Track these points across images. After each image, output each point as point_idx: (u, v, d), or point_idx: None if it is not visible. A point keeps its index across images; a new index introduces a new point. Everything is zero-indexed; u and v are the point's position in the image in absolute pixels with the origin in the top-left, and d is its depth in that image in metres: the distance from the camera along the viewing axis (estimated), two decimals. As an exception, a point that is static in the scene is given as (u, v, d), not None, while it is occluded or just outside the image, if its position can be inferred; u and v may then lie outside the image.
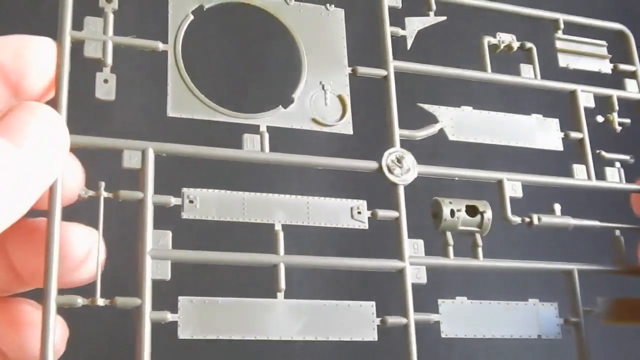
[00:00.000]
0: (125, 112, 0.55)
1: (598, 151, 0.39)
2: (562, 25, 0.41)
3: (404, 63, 0.37)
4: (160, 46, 0.33)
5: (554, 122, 0.39)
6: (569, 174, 0.38)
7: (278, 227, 0.32)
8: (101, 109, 0.33)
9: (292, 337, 0.31)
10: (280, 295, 0.32)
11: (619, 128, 0.40)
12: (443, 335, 0.33)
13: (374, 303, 0.33)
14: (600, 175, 0.39)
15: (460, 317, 0.34)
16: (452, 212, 0.35)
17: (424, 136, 0.36)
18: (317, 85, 0.35)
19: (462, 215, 0.34)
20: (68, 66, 0.31)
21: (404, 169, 0.35)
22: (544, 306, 0.35)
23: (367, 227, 0.34)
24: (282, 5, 0.36)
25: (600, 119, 0.39)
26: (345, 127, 0.35)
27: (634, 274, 0.37)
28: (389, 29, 0.37)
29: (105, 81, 0.32)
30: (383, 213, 0.34)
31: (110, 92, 0.32)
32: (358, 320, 0.32)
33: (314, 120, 0.35)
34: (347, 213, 0.34)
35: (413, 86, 0.39)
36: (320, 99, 0.35)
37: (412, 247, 0.34)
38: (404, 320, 0.33)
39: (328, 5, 0.37)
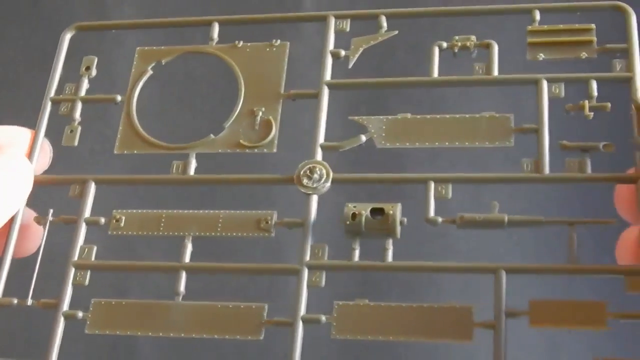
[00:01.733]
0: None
1: (560, 142, 0.36)
2: (537, 17, 0.40)
3: (338, 80, 0.41)
4: (119, 98, 0.43)
5: (506, 117, 0.38)
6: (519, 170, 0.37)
7: (187, 239, 0.38)
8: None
9: (182, 334, 0.36)
10: (178, 298, 0.37)
11: (590, 114, 0.37)
12: (332, 337, 0.34)
13: (265, 305, 0.36)
14: (559, 169, 0.36)
15: (354, 319, 0.34)
16: (354, 216, 0.36)
17: (348, 147, 0.39)
18: (249, 113, 0.41)
19: (365, 217, 0.36)
20: (46, 123, 0.42)
21: (313, 178, 0.38)
22: (457, 308, 0.34)
23: (273, 235, 0.37)
24: (232, 48, 0.43)
25: (569, 107, 0.37)
26: (269, 146, 0.40)
27: (577, 273, 0.33)
28: (329, 51, 0.41)
29: (71, 132, 0.43)
30: (288, 220, 0.38)
31: (74, 140, 0.42)
32: (247, 320, 0.36)
33: (239, 144, 0.40)
34: (254, 223, 0.38)
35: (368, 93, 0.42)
36: (251, 124, 0.41)
37: (314, 252, 0.36)
38: (289, 320, 0.35)
39: (274, 41, 0.43)
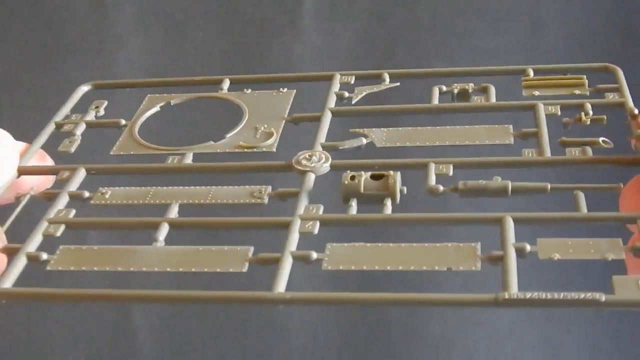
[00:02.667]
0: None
1: (561, 138, 0.38)
2: (531, 74, 0.44)
3: (340, 108, 0.43)
4: (123, 122, 0.45)
5: (507, 128, 0.40)
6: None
7: (174, 205, 0.37)
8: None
9: (155, 269, 0.33)
10: (157, 244, 0.35)
11: (588, 118, 0.39)
12: (323, 269, 0.32)
13: (252, 247, 0.34)
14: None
15: (347, 256, 0.32)
16: (353, 177, 0.36)
17: (348, 146, 0.40)
18: (252, 128, 0.43)
19: (365, 179, 0.36)
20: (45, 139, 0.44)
21: (312, 160, 0.38)
22: (461, 246, 0.32)
23: (265, 202, 0.37)
24: (241, 94, 0.47)
25: (566, 120, 0.39)
26: (269, 147, 0.41)
27: (582, 220, 0.32)
28: (334, 93, 0.45)
29: (70, 142, 0.44)
30: (283, 190, 0.37)
31: (72, 147, 0.43)
32: (231, 258, 0.33)
33: (240, 145, 0.41)
34: (247, 194, 0.37)
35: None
36: (252, 134, 0.42)
37: (309, 209, 0.35)
38: (276, 255, 0.32)
39: (281, 89, 0.47)
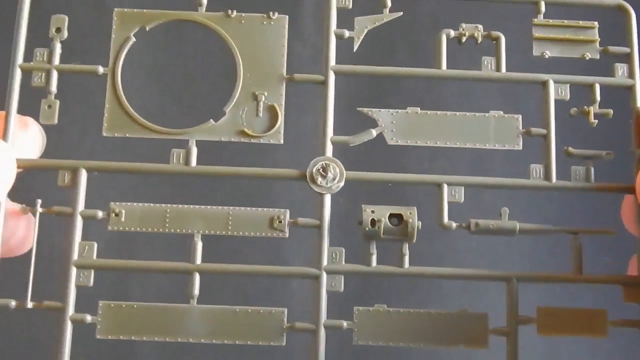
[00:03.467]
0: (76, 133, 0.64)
1: (566, 148, 0.41)
2: (542, 9, 0.43)
3: (345, 66, 0.42)
4: (101, 70, 0.42)
5: (515, 119, 0.41)
6: (527, 175, 0.41)
7: (197, 238, 0.39)
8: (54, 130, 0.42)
9: (201, 340, 0.38)
10: (193, 301, 0.39)
11: (595, 122, 0.41)
12: (354, 343, 0.38)
13: (285, 310, 0.39)
14: (565, 176, 0.41)
15: (374, 325, 0.38)
16: (373, 222, 0.39)
17: (359, 142, 0.41)
18: (251, 97, 0.42)
19: (384, 223, 0.39)
20: (17, 96, 0.41)
21: (328, 178, 0.40)
22: (471, 316, 0.39)
23: (286, 236, 0.40)
24: (224, 18, 0.43)
25: (574, 111, 0.41)
26: (275, 136, 0.41)
27: (582, 282, 0.39)
28: (333, 31, 0.42)
29: (49, 107, 0.41)
30: (304, 221, 0.40)
31: (53, 117, 0.41)
32: (268, 326, 0.39)
33: (243, 132, 0.41)
34: (267, 222, 0.40)
35: (368, 91, 0.44)
36: (253, 110, 0.42)
37: (332, 256, 0.40)
38: (311, 327, 0.38)
39: (271, 13, 0.43)
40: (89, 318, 0.38)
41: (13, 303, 0.38)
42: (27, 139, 0.39)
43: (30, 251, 0.38)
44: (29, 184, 0.40)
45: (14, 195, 0.38)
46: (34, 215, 0.39)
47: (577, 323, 0.38)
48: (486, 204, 0.41)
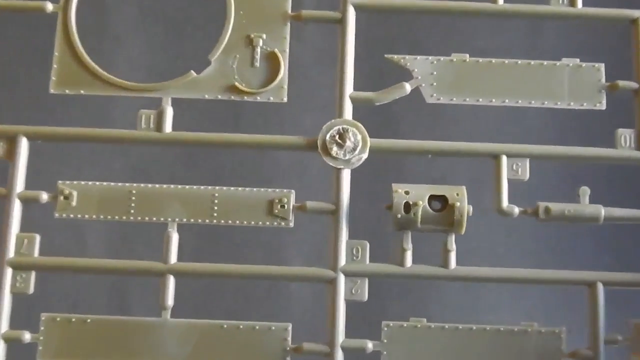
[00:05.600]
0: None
1: None
2: None
3: (365, 1, 0.33)
4: (49, 7, 0.32)
5: (596, 69, 0.32)
6: (612, 143, 0.31)
7: (171, 228, 0.30)
8: None
9: None
10: (166, 313, 0.29)
11: None
12: None
13: (290, 325, 0.30)
14: None
15: (409, 346, 0.30)
16: (408, 206, 0.30)
17: (387, 99, 0.32)
18: (244, 41, 0.32)
19: (423, 209, 0.30)
20: None
21: (346, 147, 0.31)
22: (542, 334, 0.30)
23: (291, 225, 0.31)
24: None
25: None
26: (277, 93, 0.32)
27: None
28: None
29: None
30: (315, 205, 0.31)
31: None
32: (266, 346, 0.30)
33: (234, 88, 0.32)
34: (264, 207, 0.31)
35: (398, 35, 0.35)
36: (247, 58, 0.32)
37: (352, 252, 0.31)
38: (325, 349, 0.29)
39: None
40: (27, 336, 0.29)
41: None
42: None
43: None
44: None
45: None
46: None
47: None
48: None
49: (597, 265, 0.31)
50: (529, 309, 0.34)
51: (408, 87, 0.31)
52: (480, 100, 0.31)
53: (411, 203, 0.29)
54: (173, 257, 0.30)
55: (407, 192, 0.29)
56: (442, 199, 0.29)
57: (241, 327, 0.29)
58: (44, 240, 0.30)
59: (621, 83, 0.31)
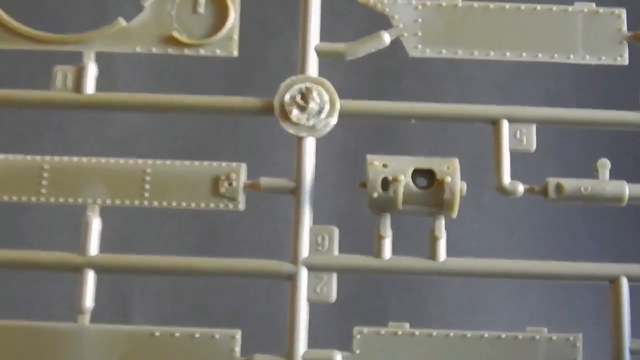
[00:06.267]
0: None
1: None
2: None
3: None
4: None
5: (616, 15, 0.26)
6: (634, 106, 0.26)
7: (91, 212, 0.25)
8: None
9: None
10: (84, 317, 0.24)
11: None
12: None
13: (239, 332, 0.24)
14: None
15: (386, 357, 0.24)
16: (386, 183, 0.24)
17: (361, 53, 0.26)
18: None
19: (405, 186, 0.24)
20: None
21: (309, 110, 0.25)
22: (553, 341, 0.24)
23: (240, 208, 0.25)
24: None
25: None
26: (225, 44, 0.26)
27: None
28: None
29: None
30: (271, 183, 0.25)
31: None
32: (208, 358, 0.24)
33: (172, 39, 0.26)
34: (208, 186, 0.25)
35: None
36: (188, 2, 0.27)
37: (316, 241, 0.25)
38: None
39: None
40: None
41: None
42: None
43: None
44: None
45: None
46: None
47: None
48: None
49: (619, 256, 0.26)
50: (543, 307, 0.29)
51: (387, 37, 0.26)
52: (476, 53, 0.25)
53: (390, 179, 0.23)
54: (93, 248, 0.24)
55: (385, 165, 0.24)
56: (429, 173, 0.24)
57: (177, 334, 0.23)
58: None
59: (647, 31, 0.25)
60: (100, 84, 0.26)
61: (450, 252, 0.25)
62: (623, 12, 0.26)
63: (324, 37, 0.26)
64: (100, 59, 0.26)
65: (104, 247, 0.25)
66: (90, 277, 0.24)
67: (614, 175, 0.25)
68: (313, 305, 0.24)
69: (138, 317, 0.42)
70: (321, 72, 0.25)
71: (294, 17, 0.26)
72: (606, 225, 0.27)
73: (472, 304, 0.33)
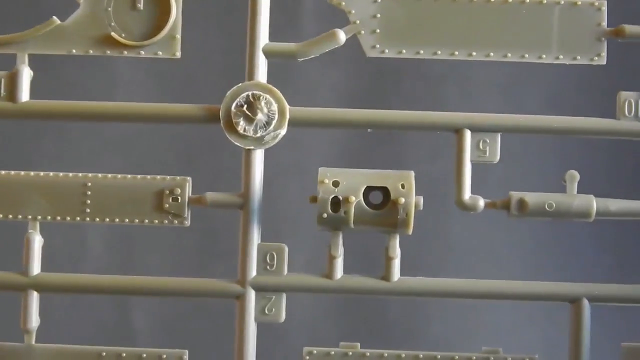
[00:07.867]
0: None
1: None
2: None
3: None
4: None
5: (596, 8, 0.24)
6: (612, 112, 0.24)
7: (32, 228, 0.24)
8: None
9: None
10: (30, 337, 0.24)
11: None
12: None
13: (186, 353, 0.24)
14: None
15: None
16: (337, 202, 0.23)
17: (313, 53, 0.25)
18: None
19: (357, 205, 0.23)
20: None
21: (257, 121, 0.24)
22: None
23: (186, 224, 0.24)
24: None
25: None
26: (167, 46, 0.25)
27: None
28: None
29: None
30: (217, 197, 0.24)
31: None
32: None
33: (110, 39, 0.25)
34: (151, 201, 0.24)
35: None
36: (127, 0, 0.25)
37: (265, 260, 0.24)
38: None
39: None
40: None
41: None
42: None
43: None
44: None
45: None
46: None
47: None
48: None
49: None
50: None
51: (342, 35, 0.24)
52: (439, 52, 0.24)
53: (341, 199, 0.23)
54: (36, 267, 0.23)
55: (336, 184, 0.23)
56: (383, 190, 0.23)
57: (124, 354, 0.23)
58: None
59: (628, 28, 0.24)
60: (100, 84, 0.25)
61: (450, 252, 0.24)
62: (604, 4, 0.24)
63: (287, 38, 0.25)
64: (101, 58, 0.25)
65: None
66: (34, 297, 0.24)
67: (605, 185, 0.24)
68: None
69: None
70: (320, 72, 0.25)
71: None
72: (606, 226, 0.26)
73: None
